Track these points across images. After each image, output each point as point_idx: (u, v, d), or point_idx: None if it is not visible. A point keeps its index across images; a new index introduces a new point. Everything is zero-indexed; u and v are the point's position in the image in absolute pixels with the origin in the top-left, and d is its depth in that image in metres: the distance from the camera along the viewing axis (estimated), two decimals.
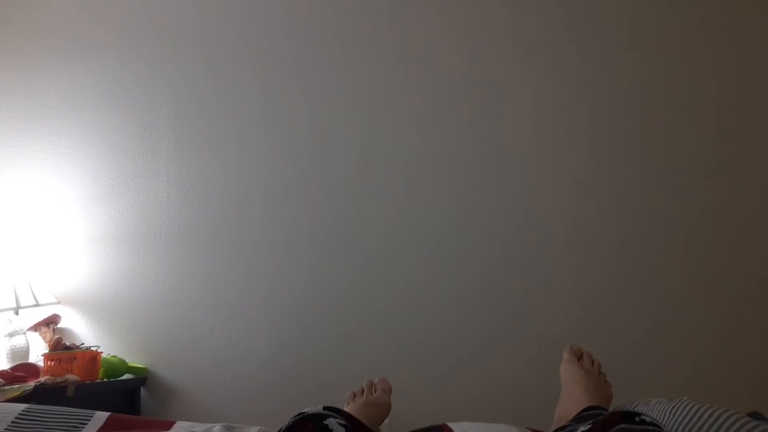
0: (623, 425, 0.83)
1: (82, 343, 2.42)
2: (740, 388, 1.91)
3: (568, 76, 2.18)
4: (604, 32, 2.17)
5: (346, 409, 1.41)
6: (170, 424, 1.27)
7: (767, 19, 2.05)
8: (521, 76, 2.22)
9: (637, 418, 0.85)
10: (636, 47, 2.14)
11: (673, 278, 2.01)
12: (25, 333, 2.44)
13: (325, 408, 0.97)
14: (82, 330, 2.55)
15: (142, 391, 2.43)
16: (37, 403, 1.97)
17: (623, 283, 2.05)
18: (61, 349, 2.29)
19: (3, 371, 2.18)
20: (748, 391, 1.91)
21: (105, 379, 2.30)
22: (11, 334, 2.41)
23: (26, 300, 2.45)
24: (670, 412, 1.05)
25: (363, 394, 1.56)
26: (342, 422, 0.94)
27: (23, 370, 2.23)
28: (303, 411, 0.95)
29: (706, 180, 2.03)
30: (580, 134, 2.15)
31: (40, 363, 2.28)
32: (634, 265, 2.05)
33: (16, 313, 2.47)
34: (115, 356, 2.40)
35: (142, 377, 2.42)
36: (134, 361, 2.45)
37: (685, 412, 1.02)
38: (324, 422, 0.92)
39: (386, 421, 1.52)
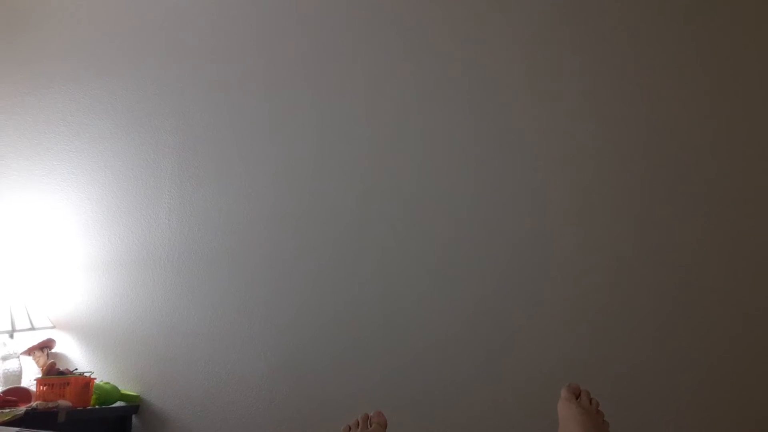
0: None
1: (76, 369, 2.40)
2: (739, 418, 1.89)
3: (573, 104, 2.20)
4: (610, 51, 2.21)
5: None
6: None
7: None
8: (525, 99, 2.24)
9: None
10: (641, 59, 2.15)
11: (672, 309, 2.00)
12: (18, 357, 2.43)
13: None
14: (77, 355, 2.54)
15: (134, 419, 2.40)
16: (28, 428, 1.95)
17: (621, 309, 2.04)
18: (54, 374, 2.27)
19: None
20: (747, 421, 1.89)
21: (97, 406, 2.28)
22: (5, 358, 2.39)
23: (22, 323, 2.44)
24: None
25: (358, 428, 1.54)
26: None
27: (15, 395, 2.21)
28: None
29: (708, 203, 2.03)
30: (582, 158, 2.16)
31: (33, 387, 2.26)
32: (633, 290, 2.03)
33: (11, 336, 2.46)
34: (108, 383, 2.38)
35: (134, 405, 2.39)
36: (127, 389, 2.42)
37: None
38: None
39: None
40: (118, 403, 2.36)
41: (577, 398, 1.42)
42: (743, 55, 2.09)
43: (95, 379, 2.33)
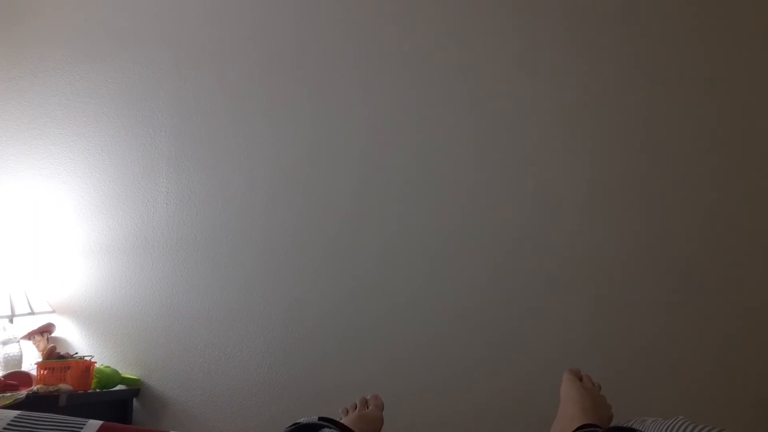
0: None
1: (76, 353, 2.41)
2: (736, 407, 1.90)
3: (573, 96, 2.19)
4: (609, 44, 2.19)
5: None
6: None
7: None
8: (524, 90, 2.23)
9: None
10: (641, 53, 2.14)
11: (672, 301, 2.01)
12: (18, 341, 2.43)
13: (320, 419, 0.97)
14: (77, 339, 2.54)
15: (135, 402, 2.41)
16: (29, 411, 1.96)
17: (621, 302, 2.04)
18: (55, 358, 2.28)
19: None
20: (743, 410, 1.90)
21: (98, 390, 2.29)
22: (5, 342, 2.40)
23: (21, 308, 2.44)
24: (666, 430, 1.05)
25: (356, 409, 1.55)
26: None
27: (15, 379, 2.22)
28: (298, 421, 0.95)
29: (708, 199, 2.03)
30: (582, 155, 2.15)
31: (33, 372, 2.27)
32: (632, 285, 2.04)
33: (11, 321, 2.46)
34: (108, 366, 2.39)
35: (134, 388, 2.40)
36: (128, 372, 2.43)
37: (680, 430, 1.01)
38: None
39: None
40: (119, 387, 2.38)
41: (579, 380, 1.42)
42: (742, 52, 2.07)
43: (96, 362, 2.33)
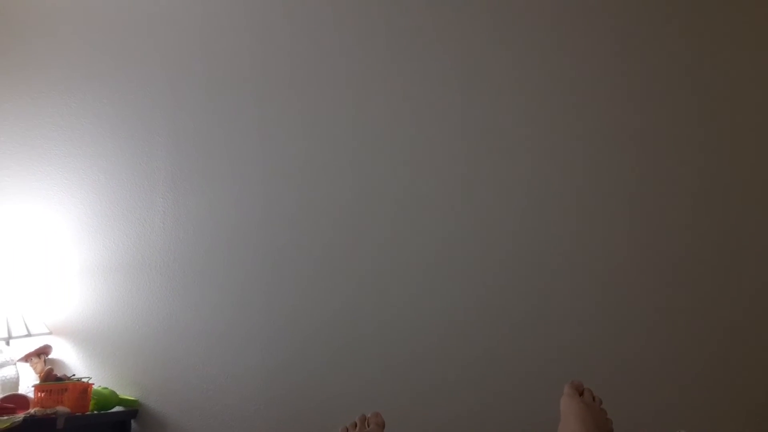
0: None
1: (74, 375, 2.39)
2: (733, 413, 1.89)
3: (564, 100, 2.20)
4: (601, 46, 2.21)
5: None
6: None
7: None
8: (515, 96, 2.24)
9: None
10: (633, 55, 2.16)
11: (669, 302, 2.01)
12: (15, 364, 2.41)
13: None
14: (74, 361, 2.52)
15: (133, 423, 2.39)
16: None
17: (616, 306, 2.04)
18: (52, 380, 2.26)
19: None
20: (741, 416, 1.89)
21: (96, 411, 2.27)
22: (1, 365, 2.38)
23: (18, 330, 2.42)
24: None
25: (356, 428, 1.54)
26: None
27: (13, 402, 2.20)
28: None
29: (701, 201, 2.04)
30: (575, 153, 2.16)
31: (30, 394, 2.25)
32: (628, 288, 2.04)
33: (7, 343, 2.44)
34: (106, 388, 2.37)
35: (133, 409, 2.38)
36: (125, 393, 2.41)
37: None
38: None
39: None
40: (117, 408, 2.36)
41: (580, 395, 1.42)
42: (731, 54, 2.09)
43: (93, 384, 2.32)
